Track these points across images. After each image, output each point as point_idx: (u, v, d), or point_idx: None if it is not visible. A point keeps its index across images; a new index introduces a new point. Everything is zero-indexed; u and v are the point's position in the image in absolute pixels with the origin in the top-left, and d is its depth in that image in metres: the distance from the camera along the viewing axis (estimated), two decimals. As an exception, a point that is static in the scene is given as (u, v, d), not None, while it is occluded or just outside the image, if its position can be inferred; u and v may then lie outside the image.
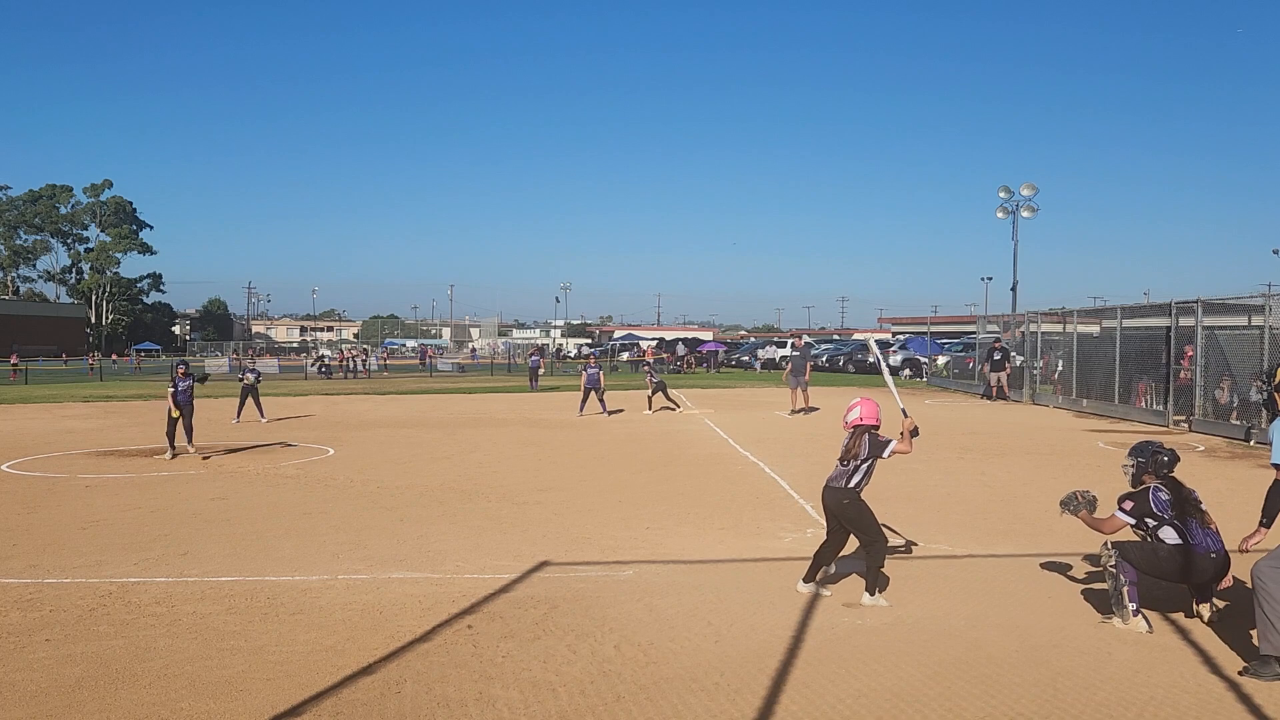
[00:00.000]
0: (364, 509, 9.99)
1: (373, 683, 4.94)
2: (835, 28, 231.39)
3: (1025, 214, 37.93)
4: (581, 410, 21.92)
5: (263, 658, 5.31)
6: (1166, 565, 5.88)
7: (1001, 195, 38.32)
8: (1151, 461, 6.11)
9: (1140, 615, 5.78)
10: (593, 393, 21.93)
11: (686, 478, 12.16)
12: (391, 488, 11.39)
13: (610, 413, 21.90)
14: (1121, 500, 6.11)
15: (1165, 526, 5.92)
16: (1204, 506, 6.06)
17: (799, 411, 21.43)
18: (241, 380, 20.90)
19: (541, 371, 35.91)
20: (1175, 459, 6.18)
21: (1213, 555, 5.88)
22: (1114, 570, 5.88)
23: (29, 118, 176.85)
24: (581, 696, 4.75)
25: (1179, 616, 6.04)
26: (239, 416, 20.41)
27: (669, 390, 22.34)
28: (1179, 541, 5.86)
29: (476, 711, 4.58)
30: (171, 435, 14.48)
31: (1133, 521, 6.02)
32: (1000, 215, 38.58)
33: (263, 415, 20.47)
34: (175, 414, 14.48)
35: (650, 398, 22.72)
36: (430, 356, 63.87)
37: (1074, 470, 12.78)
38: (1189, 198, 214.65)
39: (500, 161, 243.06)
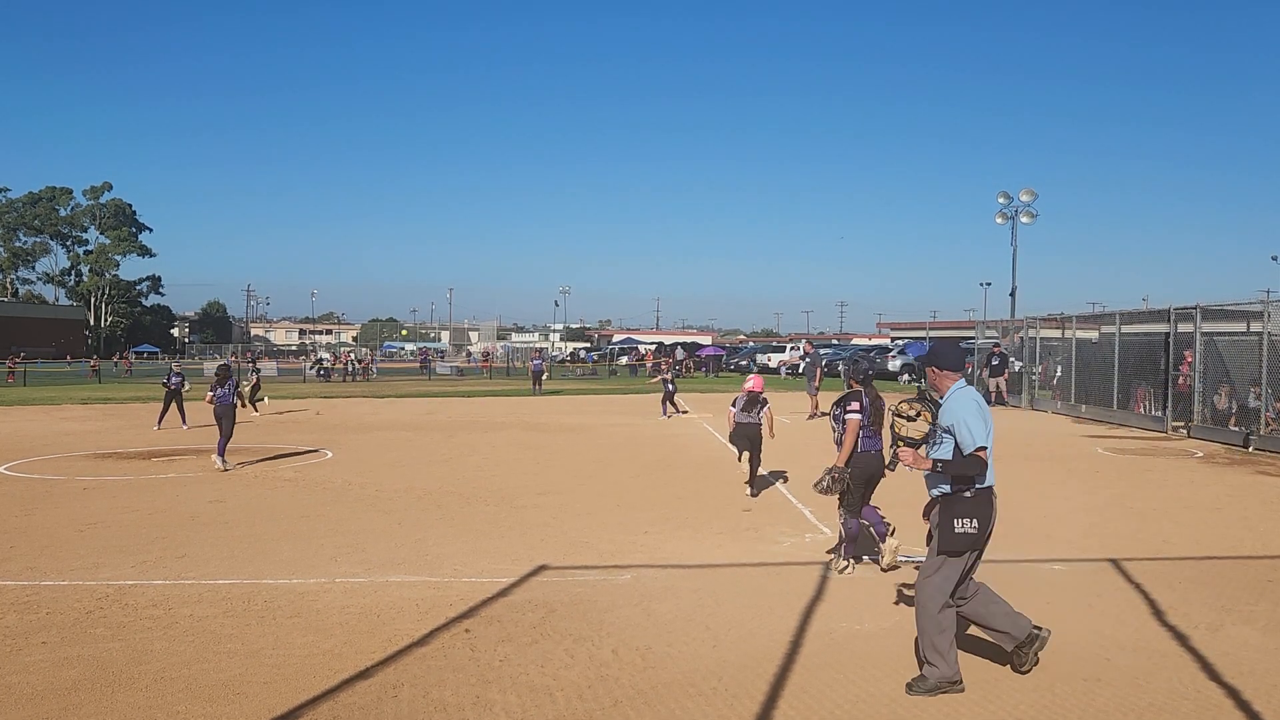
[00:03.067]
0: (362, 512, 9.98)
1: (370, 686, 4.93)
2: (834, 33, 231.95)
3: (1024, 219, 37.97)
4: (677, 411, 23.27)
5: (260, 661, 5.30)
6: (858, 477, 7.29)
7: (1000, 201, 38.38)
8: (853, 369, 7.72)
9: (848, 562, 7.26)
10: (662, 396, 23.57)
11: (684, 482, 12.15)
12: (389, 491, 11.38)
13: (670, 415, 22.53)
14: (846, 406, 7.41)
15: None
16: (887, 415, 7.21)
17: (815, 416, 21.66)
18: (166, 385, 19.91)
19: (545, 375, 36.07)
20: (873, 367, 7.90)
21: (873, 452, 7.33)
22: (841, 525, 7.39)
23: (29, 120, 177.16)
24: (579, 701, 4.74)
25: (1179, 623, 6.03)
26: (160, 423, 19.46)
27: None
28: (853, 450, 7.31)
29: (474, 715, 4.57)
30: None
31: (861, 419, 7.32)
32: (999, 221, 38.63)
33: (185, 421, 19.50)
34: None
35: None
36: (430, 359, 63.79)
37: (1073, 476, 12.78)
38: (1188, 203, 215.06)
39: (500, 165, 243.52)
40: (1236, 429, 16.73)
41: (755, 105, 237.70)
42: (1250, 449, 15.78)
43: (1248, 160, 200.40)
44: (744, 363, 58.06)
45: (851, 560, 7.33)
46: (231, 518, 9.64)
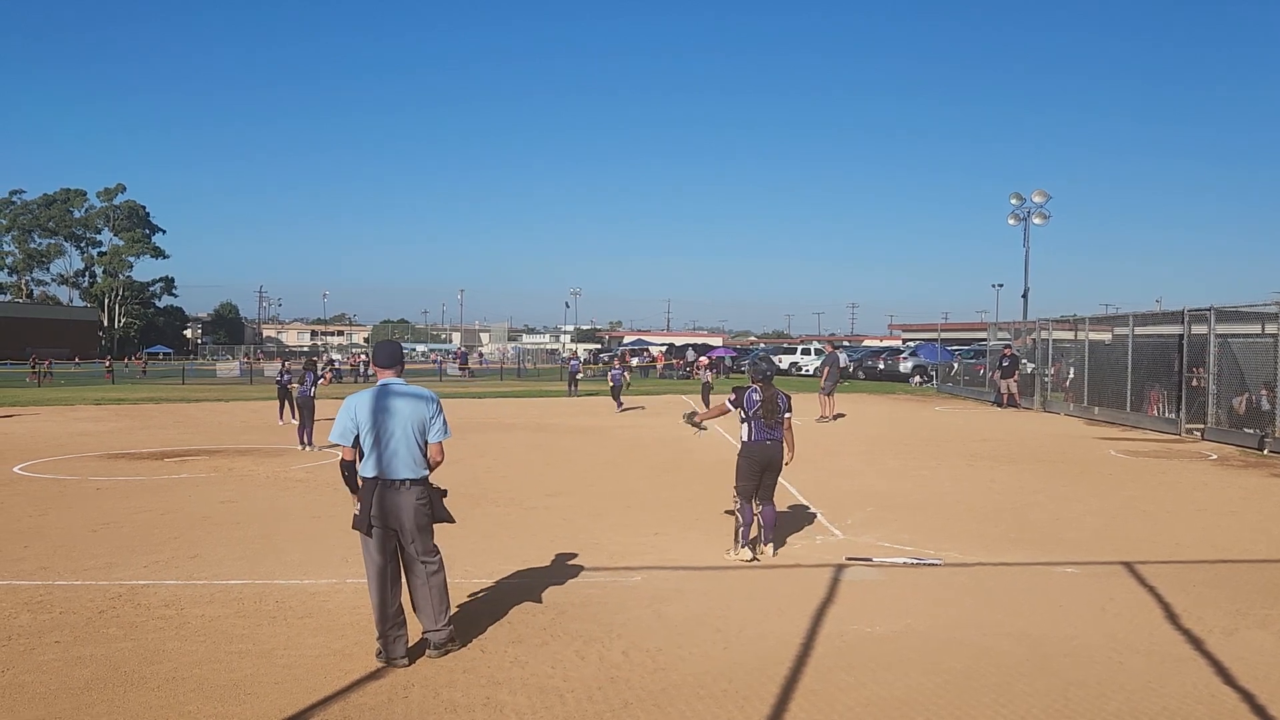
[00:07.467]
0: (373, 513, 9.98)
1: (380, 687, 4.94)
2: (844, 31, 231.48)
3: (1037, 221, 37.80)
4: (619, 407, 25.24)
5: (271, 661, 5.31)
6: (744, 465, 7.71)
7: (1013, 202, 38.21)
8: (752, 368, 8.05)
9: (746, 548, 7.64)
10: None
11: (695, 483, 12.12)
12: (400, 492, 11.37)
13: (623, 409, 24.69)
14: (729, 395, 7.97)
15: (746, 423, 7.76)
16: (787, 410, 7.83)
17: (828, 418, 21.65)
18: (279, 383, 21.05)
19: (580, 376, 35.84)
20: (773, 368, 8.31)
21: (768, 442, 7.74)
22: (735, 511, 7.76)
23: (43, 122, 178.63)
24: (589, 703, 4.74)
25: (1193, 627, 5.99)
26: (281, 416, 20.98)
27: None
28: (745, 439, 7.75)
29: (484, 716, 4.56)
30: (301, 434, 16.03)
31: (733, 409, 7.91)
32: (1012, 222, 38.47)
33: (283, 418, 20.76)
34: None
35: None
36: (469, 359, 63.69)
37: (1086, 478, 12.71)
38: (1203, 204, 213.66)
39: (511, 166, 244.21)
40: (1251, 431, 16.62)
41: (765, 105, 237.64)
42: (1265, 451, 15.66)
43: (1263, 160, 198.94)
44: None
45: (747, 547, 7.65)
46: (243, 518, 9.67)
